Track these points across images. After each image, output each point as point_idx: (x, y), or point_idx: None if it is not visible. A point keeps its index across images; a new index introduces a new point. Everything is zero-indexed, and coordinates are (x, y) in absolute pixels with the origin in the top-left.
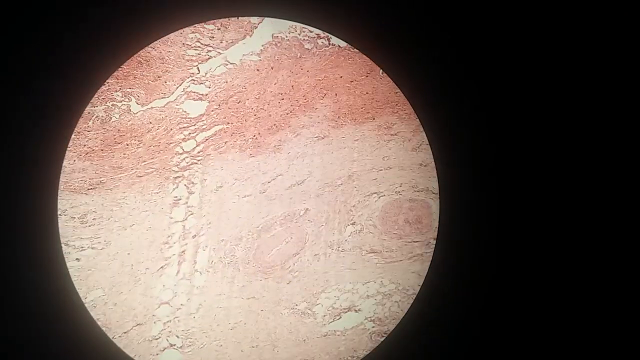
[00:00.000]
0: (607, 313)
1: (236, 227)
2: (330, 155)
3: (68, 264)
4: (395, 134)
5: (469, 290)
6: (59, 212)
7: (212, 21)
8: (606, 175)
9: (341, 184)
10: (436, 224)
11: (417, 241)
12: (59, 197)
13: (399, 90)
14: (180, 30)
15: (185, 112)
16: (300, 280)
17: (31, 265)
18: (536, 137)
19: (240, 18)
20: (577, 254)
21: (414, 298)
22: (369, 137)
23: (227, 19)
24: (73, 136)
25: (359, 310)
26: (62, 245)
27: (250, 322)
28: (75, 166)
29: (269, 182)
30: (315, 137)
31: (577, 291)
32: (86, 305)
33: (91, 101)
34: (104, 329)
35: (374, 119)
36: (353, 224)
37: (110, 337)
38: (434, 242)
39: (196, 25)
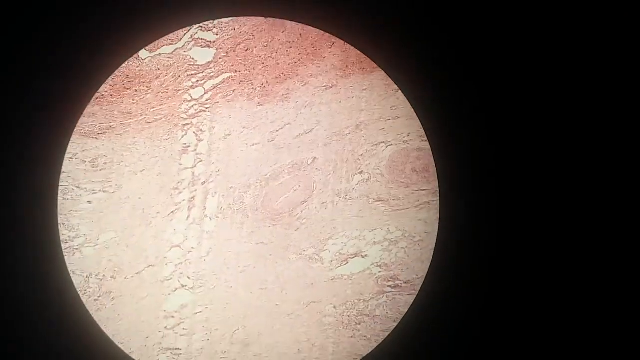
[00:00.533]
0: (607, 313)
1: (245, 175)
2: (338, 104)
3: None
4: None
5: (469, 291)
6: (69, 156)
7: (212, 22)
8: (606, 175)
9: (349, 133)
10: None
11: (424, 189)
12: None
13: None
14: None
15: (193, 59)
16: (308, 227)
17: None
18: (537, 137)
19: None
20: (577, 251)
21: (420, 245)
22: (377, 86)
23: (227, 19)
24: None
25: (365, 256)
26: (73, 188)
27: (260, 266)
28: (85, 111)
29: (277, 131)
30: (324, 87)
31: (577, 290)
32: (97, 246)
33: None
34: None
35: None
36: (360, 172)
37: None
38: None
39: (196, 25)
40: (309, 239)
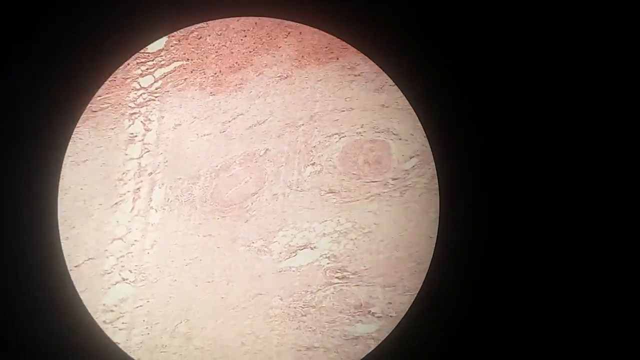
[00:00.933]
0: (607, 312)
1: (194, 166)
2: (292, 95)
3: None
4: (359, 75)
5: (469, 291)
6: None
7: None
8: (606, 174)
9: (302, 125)
10: (395, 164)
11: (375, 181)
12: None
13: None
14: None
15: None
16: (258, 219)
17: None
18: (537, 137)
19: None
20: (577, 250)
21: (369, 237)
22: (332, 77)
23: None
24: None
25: (314, 247)
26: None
27: (206, 259)
28: None
29: (229, 122)
30: (278, 77)
31: (577, 289)
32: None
33: None
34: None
35: (337, 59)
36: (313, 164)
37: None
38: (393, 182)
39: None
40: (258, 230)
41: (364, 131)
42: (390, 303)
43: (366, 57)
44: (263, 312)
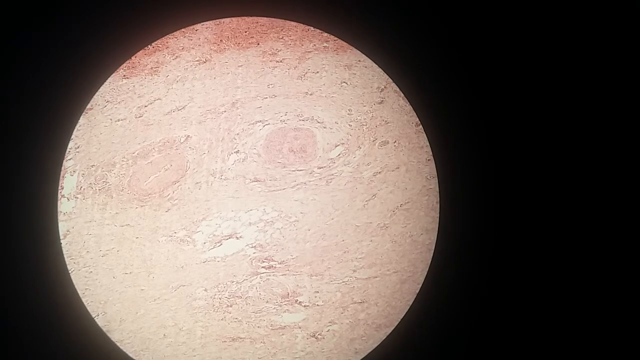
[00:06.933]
0: (607, 313)
1: (109, 153)
2: (212, 80)
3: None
4: (281, 61)
5: (469, 292)
6: None
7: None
8: (606, 174)
9: (224, 111)
10: (321, 152)
11: (300, 170)
12: None
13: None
14: None
15: None
16: (180, 208)
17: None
18: (537, 139)
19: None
20: (576, 252)
21: (296, 226)
22: (253, 63)
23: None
24: None
25: (240, 237)
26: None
27: (124, 250)
28: None
29: (145, 106)
30: (196, 61)
31: (577, 290)
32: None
33: None
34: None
35: (258, 44)
36: (237, 152)
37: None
38: (318, 170)
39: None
40: (181, 220)
41: (288, 119)
42: (317, 292)
43: (367, 57)
44: (186, 303)
